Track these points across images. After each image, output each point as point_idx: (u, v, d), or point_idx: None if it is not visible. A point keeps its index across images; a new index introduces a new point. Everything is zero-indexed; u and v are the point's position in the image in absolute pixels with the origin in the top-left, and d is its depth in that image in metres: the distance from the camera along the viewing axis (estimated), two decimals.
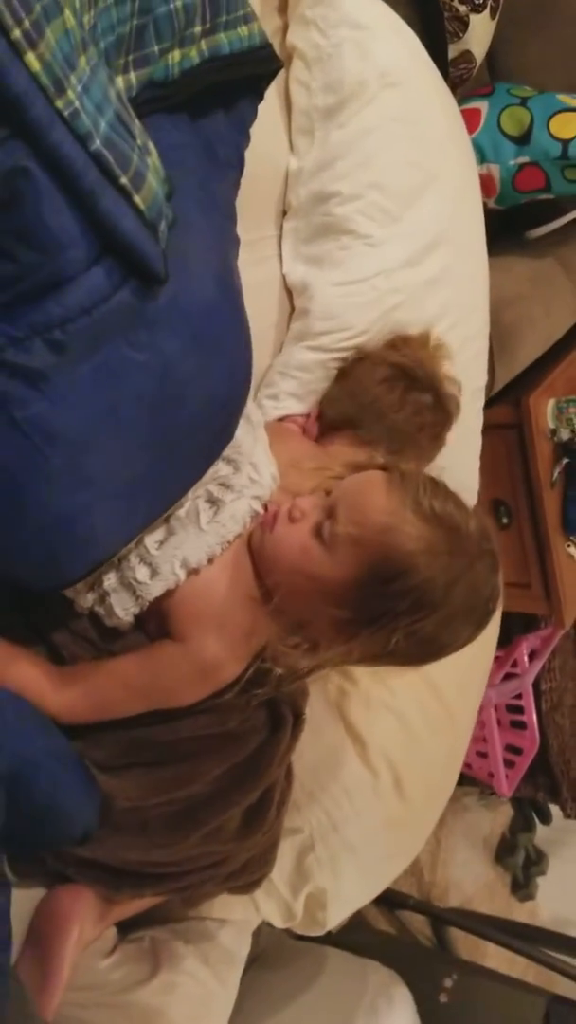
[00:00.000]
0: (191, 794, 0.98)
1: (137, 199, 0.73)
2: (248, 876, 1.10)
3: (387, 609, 0.87)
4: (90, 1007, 1.01)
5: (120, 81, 0.83)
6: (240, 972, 1.21)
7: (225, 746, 1.01)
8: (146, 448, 0.83)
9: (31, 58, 0.64)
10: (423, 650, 0.92)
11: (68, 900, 0.98)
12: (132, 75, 0.85)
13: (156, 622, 0.98)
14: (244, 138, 1.04)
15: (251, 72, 1.00)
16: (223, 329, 0.90)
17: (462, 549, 0.90)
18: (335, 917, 1.34)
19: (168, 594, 0.94)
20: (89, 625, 0.99)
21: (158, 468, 0.86)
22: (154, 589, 0.93)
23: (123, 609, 0.94)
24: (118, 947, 1.09)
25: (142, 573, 0.93)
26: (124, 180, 0.71)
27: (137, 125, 0.79)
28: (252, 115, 1.04)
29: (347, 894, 1.34)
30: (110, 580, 0.94)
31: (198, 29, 0.91)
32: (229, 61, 0.95)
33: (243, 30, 0.96)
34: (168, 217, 0.79)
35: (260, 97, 1.04)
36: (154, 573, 0.93)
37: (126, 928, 1.13)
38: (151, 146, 0.80)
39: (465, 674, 1.49)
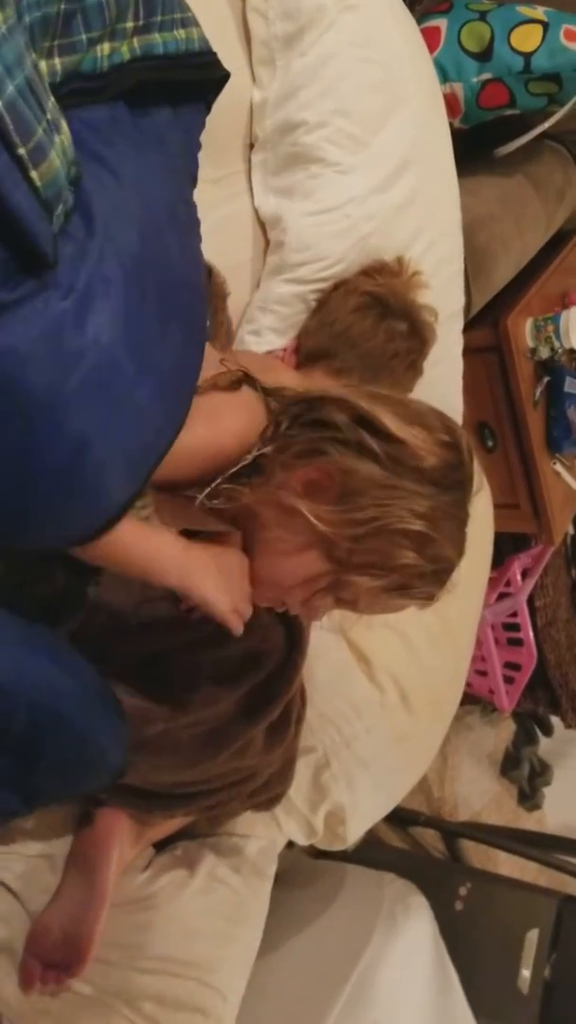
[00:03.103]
0: (219, 713, 1.02)
1: (34, 174, 0.68)
2: (269, 792, 1.15)
3: None
4: (138, 912, 1.07)
5: (44, 65, 0.80)
6: (269, 887, 1.26)
7: (247, 667, 1.04)
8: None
9: None
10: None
11: (106, 822, 1.03)
12: (57, 60, 0.82)
13: None
14: (195, 143, 1.03)
15: (190, 77, 0.97)
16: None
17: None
18: (355, 831, 1.40)
19: None
20: None
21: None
22: None
23: None
24: (152, 862, 1.15)
25: None
26: (22, 151, 0.67)
27: (51, 102, 0.75)
28: (200, 124, 1.03)
29: (364, 808, 1.40)
30: None
31: (130, 24, 0.89)
32: (162, 62, 0.93)
33: (180, 33, 0.95)
34: (68, 203, 0.76)
35: (208, 108, 1.03)
36: None
37: (159, 846, 1.19)
38: (64, 125, 0.77)
39: (463, 590, 1.52)
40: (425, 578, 0.85)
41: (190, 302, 0.89)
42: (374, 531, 0.82)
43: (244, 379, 0.92)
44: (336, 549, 0.84)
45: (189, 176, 1.02)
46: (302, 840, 1.37)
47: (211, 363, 0.93)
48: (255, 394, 0.93)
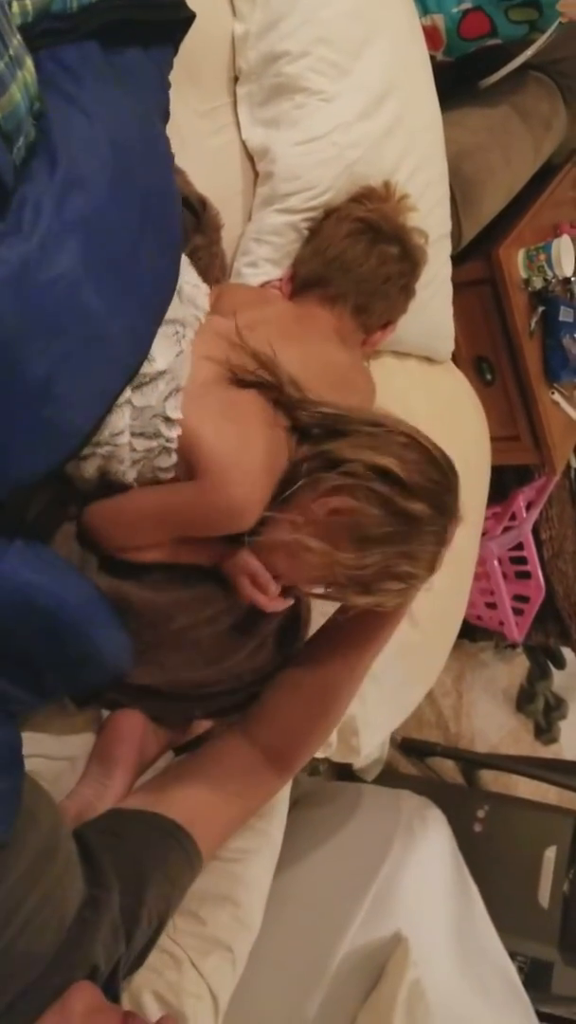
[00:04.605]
0: (239, 613, 1.08)
1: None
2: None
3: None
4: None
5: (15, 6, 0.84)
6: (284, 816, 1.30)
7: None
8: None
9: None
10: None
11: (128, 725, 1.08)
12: (28, 1, 0.86)
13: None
14: (165, 81, 1.06)
15: (157, 17, 1.00)
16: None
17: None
18: (368, 742, 1.45)
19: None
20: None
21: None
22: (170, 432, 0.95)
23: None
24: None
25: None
26: None
27: (17, 40, 0.79)
28: (168, 65, 1.06)
29: (376, 719, 1.44)
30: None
31: None
32: (130, 1, 0.95)
33: None
34: (30, 136, 0.79)
35: (175, 48, 1.06)
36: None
37: (178, 751, 1.24)
38: (28, 62, 0.80)
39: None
40: (400, 592, 1.00)
41: (161, 237, 0.92)
42: (374, 574, 0.96)
43: (259, 384, 1.00)
44: (337, 578, 0.98)
45: (161, 110, 1.04)
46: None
47: (212, 338, 1.01)
48: (271, 414, 1.00)
